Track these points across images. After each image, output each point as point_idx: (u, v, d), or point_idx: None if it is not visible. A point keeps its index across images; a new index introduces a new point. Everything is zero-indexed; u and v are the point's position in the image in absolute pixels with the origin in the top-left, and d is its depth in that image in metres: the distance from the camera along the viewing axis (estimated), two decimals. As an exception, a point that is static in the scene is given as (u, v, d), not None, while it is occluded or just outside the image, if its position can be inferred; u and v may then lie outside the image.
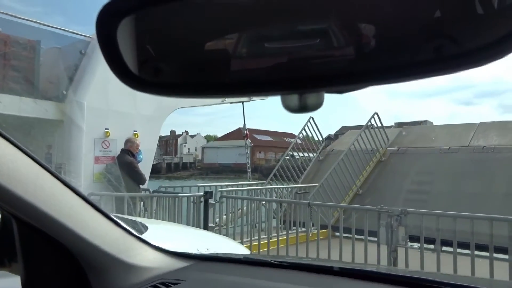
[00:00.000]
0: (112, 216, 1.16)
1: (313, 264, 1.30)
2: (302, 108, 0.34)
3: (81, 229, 1.01)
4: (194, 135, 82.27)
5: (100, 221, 1.09)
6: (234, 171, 51.42)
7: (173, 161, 69.31)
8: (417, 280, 1.12)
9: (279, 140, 64.34)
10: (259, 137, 57.18)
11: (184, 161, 70.44)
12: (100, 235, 1.07)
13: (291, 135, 67.98)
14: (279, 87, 0.33)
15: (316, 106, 0.34)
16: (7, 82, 6.44)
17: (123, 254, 1.13)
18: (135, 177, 6.21)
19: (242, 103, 9.45)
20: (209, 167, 63.20)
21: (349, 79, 0.31)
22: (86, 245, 1.03)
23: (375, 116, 9.58)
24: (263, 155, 58.99)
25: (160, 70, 0.39)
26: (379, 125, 9.67)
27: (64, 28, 7.04)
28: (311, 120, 10.42)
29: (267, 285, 1.13)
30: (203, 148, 70.95)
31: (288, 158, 10.19)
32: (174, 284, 1.15)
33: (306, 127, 10.44)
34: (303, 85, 0.33)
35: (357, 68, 0.31)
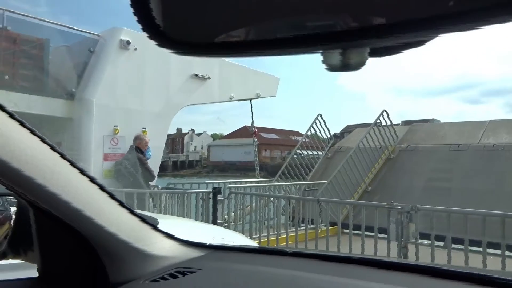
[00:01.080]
0: (128, 206, 1.16)
1: (329, 254, 1.29)
2: (345, 66, 0.33)
3: (98, 217, 1.01)
4: (201, 133, 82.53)
5: (117, 210, 1.09)
6: (240, 169, 51.45)
7: (179, 159, 69.52)
8: (439, 270, 1.10)
9: (285, 138, 64.26)
10: (265, 135, 57.12)
11: (190, 159, 70.69)
12: (117, 223, 1.06)
13: (297, 133, 67.88)
14: (322, 40, 0.32)
15: (360, 64, 0.33)
16: (17, 80, 6.50)
17: (140, 243, 1.13)
18: (144, 174, 6.25)
19: (250, 101, 9.45)
20: (215, 165, 63.30)
21: (404, 28, 0.30)
22: (103, 233, 1.03)
23: (384, 114, 9.53)
24: (269, 153, 58.95)
25: (193, 27, 0.38)
26: (388, 122, 9.62)
27: (72, 27, 7.09)
28: (319, 118, 10.39)
29: (282, 272, 1.12)
30: (209, 146, 71.09)
31: (296, 156, 10.17)
32: (191, 272, 1.14)
33: (314, 124, 10.39)
34: (349, 37, 0.31)
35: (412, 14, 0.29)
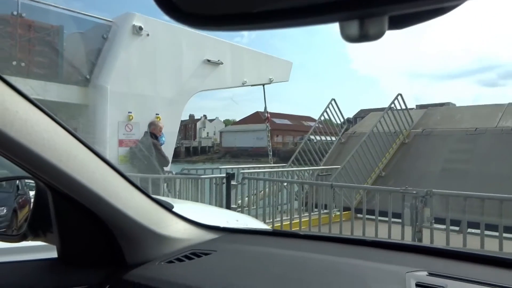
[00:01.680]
0: (144, 190, 1.17)
1: (342, 236, 1.29)
2: (363, 36, 0.32)
3: (115, 199, 1.02)
4: (213, 119, 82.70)
5: (132, 193, 1.10)
6: (252, 155, 51.49)
7: (191, 145, 69.86)
8: (454, 252, 1.09)
9: (298, 124, 63.96)
10: (277, 121, 56.93)
11: (202, 145, 70.99)
12: (133, 206, 1.08)
13: (309, 119, 67.50)
14: (340, 8, 0.31)
15: (378, 34, 0.32)
16: (32, 67, 6.57)
17: (155, 225, 1.14)
18: (159, 159, 6.31)
19: (263, 86, 9.40)
20: (227, 151, 63.44)
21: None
22: (119, 215, 1.04)
23: (399, 98, 9.39)
24: (281, 139, 58.82)
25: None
26: (403, 106, 9.48)
27: (85, 13, 7.10)
28: (332, 102, 10.30)
29: (295, 254, 1.13)
30: (221, 132, 71.19)
31: (309, 141, 10.13)
32: (205, 254, 1.16)
33: (328, 109, 10.31)
34: (368, 3, 0.30)
35: None
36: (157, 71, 7.26)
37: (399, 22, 0.33)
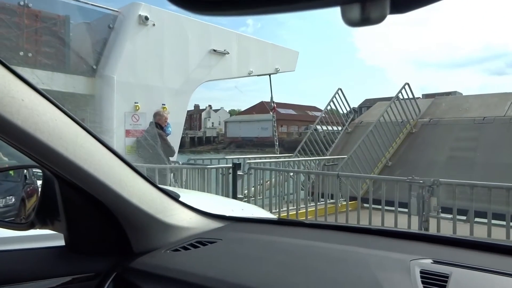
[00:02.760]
0: (150, 179, 1.18)
1: (348, 225, 1.29)
2: (365, 20, 0.32)
3: (120, 188, 1.03)
4: (218, 110, 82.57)
5: (138, 181, 1.11)
6: (257, 145, 51.45)
7: (196, 135, 69.81)
8: (461, 240, 1.09)
9: (302, 114, 63.74)
10: (282, 111, 56.74)
11: (207, 135, 70.96)
12: (138, 195, 1.09)
13: (314, 109, 67.19)
14: None
15: (380, 18, 0.32)
16: (39, 57, 6.59)
17: (161, 214, 1.15)
18: (165, 150, 6.33)
19: (269, 76, 9.36)
20: (232, 141, 63.47)
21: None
22: (125, 204, 1.05)
23: (406, 87, 9.30)
24: (286, 129, 58.70)
25: None
26: (410, 96, 9.40)
27: (92, 3, 7.09)
28: (339, 92, 10.24)
29: (301, 243, 1.14)
30: (226, 122, 71.05)
31: (316, 131, 10.10)
32: (211, 242, 1.17)
33: (334, 99, 10.25)
34: None
35: None
36: (163, 61, 7.26)
37: (400, 6, 0.33)
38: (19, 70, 0.83)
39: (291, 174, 6.76)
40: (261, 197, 6.40)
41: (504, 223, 4.14)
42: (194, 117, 77.90)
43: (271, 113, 10.62)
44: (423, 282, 0.85)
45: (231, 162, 6.34)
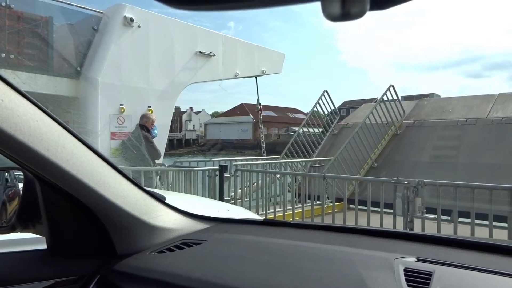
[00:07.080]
0: (133, 179, 1.17)
1: (333, 225, 1.30)
2: (345, 15, 0.32)
3: (103, 189, 1.02)
4: (199, 112, 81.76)
5: (122, 182, 1.10)
6: (237, 147, 50.84)
7: (176, 137, 68.73)
8: (444, 239, 1.11)
9: (283, 116, 63.67)
10: (263, 113, 56.55)
11: (187, 137, 69.84)
12: (122, 196, 1.07)
13: (295, 110, 67.25)
14: None
15: (360, 13, 0.32)
16: (21, 59, 6.48)
17: (145, 216, 1.14)
18: (150, 152, 6.27)
19: (256, 78, 9.38)
20: (212, 144, 62.89)
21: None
22: (108, 205, 1.04)
23: (391, 89, 9.41)
24: (266, 131, 58.54)
25: None
26: (395, 98, 9.51)
27: (75, 4, 7.01)
28: (325, 94, 10.30)
29: (286, 243, 1.14)
30: (206, 124, 69.97)
31: (293, 132, 10.14)
32: (196, 244, 1.16)
33: (320, 101, 10.31)
34: None
35: None
36: (149, 63, 7.21)
37: (380, 2, 0.33)
38: (1, 72, 0.81)
39: (278, 176, 6.76)
40: (248, 199, 6.39)
41: (487, 222, 4.21)
42: (174, 119, 76.81)
43: (258, 115, 10.64)
44: (407, 280, 0.86)
45: (218, 164, 6.32)
